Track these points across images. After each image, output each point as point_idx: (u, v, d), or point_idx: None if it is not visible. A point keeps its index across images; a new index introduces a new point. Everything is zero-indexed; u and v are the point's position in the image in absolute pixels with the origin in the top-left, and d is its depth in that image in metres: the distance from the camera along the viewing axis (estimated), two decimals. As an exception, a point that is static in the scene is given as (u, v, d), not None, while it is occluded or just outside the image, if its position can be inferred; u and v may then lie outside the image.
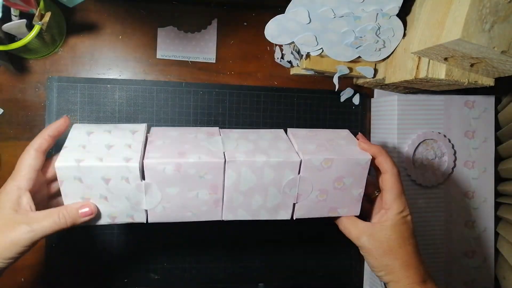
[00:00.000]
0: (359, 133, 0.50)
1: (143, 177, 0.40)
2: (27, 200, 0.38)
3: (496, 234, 0.64)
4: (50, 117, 0.57)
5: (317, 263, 0.65)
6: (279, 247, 0.64)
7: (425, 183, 0.61)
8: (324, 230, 0.65)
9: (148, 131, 0.45)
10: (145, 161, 0.40)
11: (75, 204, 0.40)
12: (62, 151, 0.40)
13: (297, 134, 0.48)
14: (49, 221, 0.38)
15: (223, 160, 0.41)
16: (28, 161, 0.39)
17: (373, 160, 0.46)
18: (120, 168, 0.39)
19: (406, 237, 0.45)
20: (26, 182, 0.39)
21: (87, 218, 0.41)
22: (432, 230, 0.62)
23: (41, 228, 0.38)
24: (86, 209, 0.40)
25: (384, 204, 0.46)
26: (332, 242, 0.66)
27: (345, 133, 0.49)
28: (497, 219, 0.65)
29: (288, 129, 0.48)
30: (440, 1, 0.45)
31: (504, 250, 0.62)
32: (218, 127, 0.46)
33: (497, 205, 0.65)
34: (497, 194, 0.66)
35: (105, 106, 0.59)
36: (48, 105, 0.57)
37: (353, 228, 0.47)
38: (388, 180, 0.46)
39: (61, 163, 0.39)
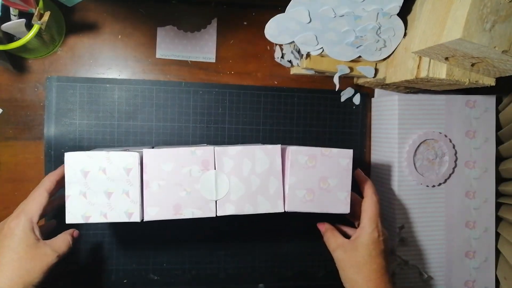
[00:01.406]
0: (358, 169, 0.55)
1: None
2: (38, 231, 0.45)
3: (497, 234, 0.64)
4: (49, 117, 0.57)
5: (317, 264, 0.65)
6: (279, 248, 0.64)
7: (426, 183, 0.60)
8: (324, 230, 0.65)
9: (140, 159, 0.45)
10: (145, 217, 0.44)
11: (71, 230, 0.50)
12: (67, 203, 0.43)
13: (294, 162, 0.47)
14: (66, 245, 0.47)
15: (215, 215, 0.46)
16: (40, 200, 0.46)
17: (362, 188, 0.53)
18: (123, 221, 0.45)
19: (374, 256, 0.49)
20: (37, 217, 0.45)
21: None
22: (433, 230, 0.61)
23: (62, 252, 0.46)
24: (77, 233, 0.51)
25: (360, 223, 0.51)
26: (332, 242, 0.65)
27: (346, 162, 0.48)
28: (498, 220, 0.65)
29: (291, 152, 0.47)
30: (441, 0, 0.45)
31: (505, 250, 0.62)
32: (213, 148, 0.45)
33: (498, 206, 0.65)
34: (498, 194, 0.65)
35: (104, 106, 0.59)
36: (47, 105, 0.57)
37: (332, 241, 0.52)
38: (366, 203, 0.51)
39: (71, 221, 0.43)
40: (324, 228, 0.55)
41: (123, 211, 0.44)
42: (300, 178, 0.47)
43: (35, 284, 0.43)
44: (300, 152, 0.46)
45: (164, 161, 0.44)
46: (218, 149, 0.45)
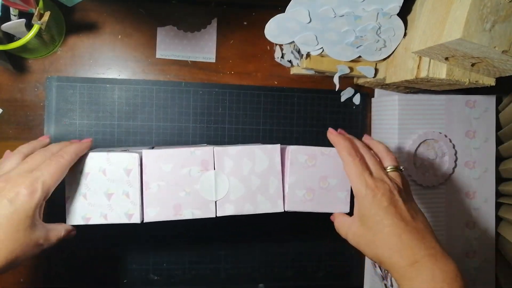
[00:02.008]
0: (329, 129, 0.47)
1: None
2: (42, 210, 0.40)
3: (497, 234, 0.64)
4: (49, 117, 0.57)
5: (318, 264, 0.65)
6: (280, 248, 0.64)
7: (426, 183, 0.60)
8: (324, 230, 0.65)
9: (140, 160, 0.45)
10: (145, 219, 0.44)
11: (69, 227, 0.44)
12: (67, 205, 0.43)
13: (294, 162, 0.47)
14: (56, 238, 0.41)
15: (214, 215, 0.45)
16: (62, 174, 0.40)
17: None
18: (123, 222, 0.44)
19: (380, 220, 0.40)
20: (49, 194, 0.39)
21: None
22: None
23: (49, 245, 0.41)
24: (73, 234, 0.45)
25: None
26: (333, 242, 0.65)
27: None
28: (498, 220, 0.65)
29: (290, 151, 0.47)
30: (441, 0, 0.45)
31: (505, 250, 0.62)
32: (212, 148, 0.45)
33: (498, 206, 0.65)
34: (498, 194, 0.65)
35: (104, 106, 0.59)
36: (47, 105, 0.57)
37: (341, 227, 0.45)
38: (345, 169, 0.43)
39: (72, 222, 0.43)
40: (333, 217, 0.48)
41: (123, 212, 0.44)
42: (300, 178, 0.47)
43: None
44: (299, 152, 0.46)
45: (164, 161, 0.44)
46: (218, 149, 0.45)
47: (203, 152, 0.45)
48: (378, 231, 0.40)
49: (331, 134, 0.46)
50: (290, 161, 0.46)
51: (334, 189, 0.47)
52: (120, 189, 0.43)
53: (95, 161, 0.43)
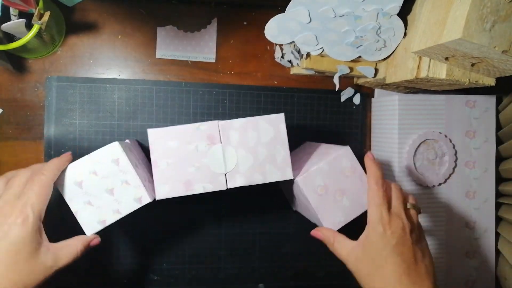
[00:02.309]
0: (368, 152, 0.49)
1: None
2: (43, 231, 0.39)
3: (497, 234, 0.64)
4: (49, 117, 0.57)
5: (318, 264, 0.65)
6: (280, 248, 0.64)
7: (426, 183, 0.60)
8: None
9: (129, 147, 0.46)
10: (156, 196, 0.44)
11: (88, 237, 0.44)
12: (78, 218, 0.43)
13: (334, 162, 0.48)
14: (70, 257, 0.41)
15: (226, 188, 0.45)
16: (48, 192, 0.40)
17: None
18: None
19: (386, 256, 0.41)
20: (43, 215, 0.39)
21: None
22: (433, 230, 0.61)
23: (64, 264, 0.40)
24: (97, 242, 0.44)
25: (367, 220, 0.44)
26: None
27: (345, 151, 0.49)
28: (498, 220, 0.65)
29: (345, 150, 0.48)
30: (441, 0, 0.45)
31: (505, 250, 0.62)
32: (217, 122, 0.45)
33: (498, 205, 0.65)
34: (498, 194, 0.65)
35: (104, 106, 0.59)
36: (47, 105, 0.57)
37: (342, 248, 0.45)
38: (368, 196, 0.45)
39: (90, 231, 0.44)
40: (323, 235, 0.47)
41: (132, 199, 0.44)
42: (330, 173, 0.48)
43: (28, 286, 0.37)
44: (347, 156, 0.48)
45: (170, 138, 0.45)
46: (222, 122, 0.46)
47: (208, 126, 0.45)
48: (380, 266, 0.41)
49: (368, 158, 0.47)
50: (335, 157, 0.48)
51: (341, 207, 0.48)
52: (118, 180, 0.44)
53: (82, 167, 0.43)
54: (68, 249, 0.40)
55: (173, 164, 0.44)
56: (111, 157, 0.44)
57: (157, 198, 0.45)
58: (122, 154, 0.44)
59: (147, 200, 0.44)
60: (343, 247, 0.45)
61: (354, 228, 0.48)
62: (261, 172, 0.46)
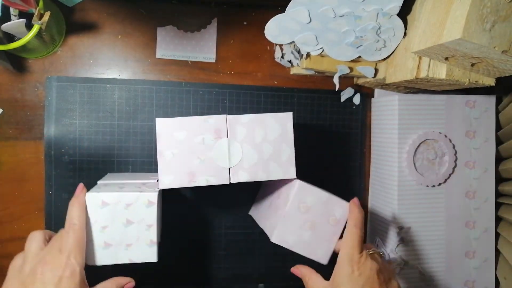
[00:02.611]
0: (354, 198, 0.50)
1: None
2: (86, 281, 0.41)
3: (497, 234, 0.64)
4: (49, 117, 0.57)
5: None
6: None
7: (426, 183, 0.61)
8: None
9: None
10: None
11: (123, 279, 0.46)
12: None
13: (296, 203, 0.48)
14: None
15: (228, 182, 0.46)
16: (84, 242, 0.41)
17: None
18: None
19: None
20: (84, 263, 0.41)
21: None
22: (433, 230, 0.61)
23: None
24: (131, 286, 0.46)
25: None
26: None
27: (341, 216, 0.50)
28: (498, 219, 0.65)
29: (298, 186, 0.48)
30: (440, 0, 0.45)
31: (505, 250, 0.62)
32: (225, 116, 0.46)
33: (498, 205, 0.65)
34: (498, 194, 0.65)
35: (104, 106, 0.59)
36: (47, 105, 0.57)
37: (314, 286, 0.48)
38: (344, 237, 0.46)
39: (108, 263, 0.45)
40: (301, 273, 0.50)
41: (143, 202, 0.44)
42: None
43: None
44: (306, 191, 0.48)
45: (177, 129, 0.45)
46: (230, 117, 0.46)
47: (216, 120, 0.45)
48: None
49: (353, 202, 0.49)
50: (336, 200, 0.49)
51: (300, 234, 0.48)
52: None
53: (91, 204, 0.44)
54: None
55: (178, 155, 0.45)
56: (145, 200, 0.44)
57: (160, 188, 0.45)
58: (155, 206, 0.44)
59: (154, 197, 0.44)
60: (316, 285, 0.48)
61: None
62: (265, 170, 0.46)
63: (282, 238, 0.48)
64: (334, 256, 0.49)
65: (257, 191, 0.62)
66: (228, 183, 0.46)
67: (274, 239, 0.47)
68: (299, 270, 0.50)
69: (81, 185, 0.44)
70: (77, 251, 0.40)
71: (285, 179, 0.48)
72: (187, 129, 0.45)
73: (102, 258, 0.44)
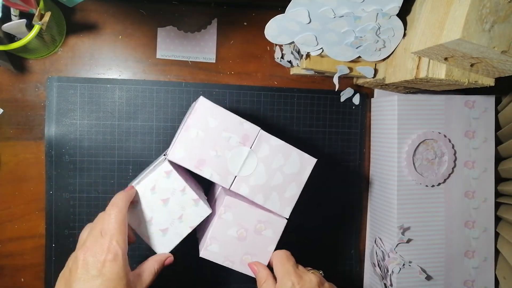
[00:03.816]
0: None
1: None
2: (128, 266, 0.40)
3: (496, 234, 0.64)
4: (50, 117, 0.57)
5: (317, 264, 0.65)
6: (279, 248, 0.64)
7: (425, 183, 0.61)
8: (324, 231, 0.65)
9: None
10: (169, 156, 0.45)
11: (162, 256, 0.46)
12: (150, 244, 0.47)
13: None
14: (152, 277, 0.43)
15: (228, 187, 0.46)
16: (125, 228, 0.41)
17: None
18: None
19: None
20: (127, 247, 0.41)
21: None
22: (432, 230, 0.62)
23: (146, 286, 0.42)
24: (171, 260, 0.46)
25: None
26: (332, 243, 0.66)
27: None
28: (497, 219, 0.65)
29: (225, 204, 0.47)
30: (440, 1, 0.45)
31: (504, 250, 0.62)
32: (259, 129, 0.46)
33: (497, 205, 0.65)
34: (497, 194, 0.65)
35: (105, 106, 0.59)
36: (48, 105, 0.57)
37: None
38: (274, 260, 0.46)
39: (165, 250, 0.47)
40: (257, 272, 0.47)
41: (194, 213, 0.46)
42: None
43: None
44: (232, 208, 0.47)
45: (214, 116, 0.45)
46: (263, 133, 0.46)
47: (250, 128, 0.46)
48: None
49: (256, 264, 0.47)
50: (269, 216, 0.47)
51: (234, 242, 0.47)
52: (170, 189, 0.45)
53: (141, 191, 0.45)
54: (148, 272, 0.42)
55: (201, 138, 0.45)
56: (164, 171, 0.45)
57: (168, 158, 0.45)
58: (171, 170, 0.45)
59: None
60: None
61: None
62: (265, 195, 0.47)
63: (207, 250, 0.47)
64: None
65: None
66: (228, 187, 0.46)
67: (202, 254, 0.47)
68: (257, 269, 0.47)
69: (132, 186, 0.45)
70: (119, 234, 0.39)
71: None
72: (222, 121, 0.45)
73: (169, 243, 0.46)
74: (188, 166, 0.45)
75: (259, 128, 0.46)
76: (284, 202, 0.47)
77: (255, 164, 0.46)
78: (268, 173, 0.46)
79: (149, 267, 0.43)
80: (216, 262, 0.47)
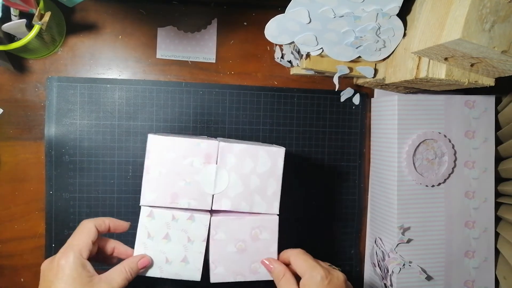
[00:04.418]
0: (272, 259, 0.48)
1: None
2: (90, 266, 0.42)
3: (497, 234, 0.64)
4: (49, 117, 0.57)
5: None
6: (280, 248, 0.64)
7: (425, 183, 0.61)
8: (323, 231, 0.65)
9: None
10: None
11: (135, 258, 0.44)
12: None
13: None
14: (122, 278, 0.42)
15: (209, 208, 0.46)
16: (88, 233, 0.42)
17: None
18: None
19: None
20: (86, 252, 0.41)
21: (144, 268, 0.45)
22: (432, 230, 0.62)
23: (118, 285, 0.42)
24: (145, 261, 0.44)
25: (300, 275, 0.44)
26: (332, 243, 0.66)
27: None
28: (498, 219, 0.65)
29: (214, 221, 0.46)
30: (440, 1, 0.45)
31: (505, 250, 0.62)
32: (218, 143, 0.45)
33: (498, 205, 0.65)
34: (498, 194, 0.65)
35: (105, 106, 0.59)
36: (47, 105, 0.57)
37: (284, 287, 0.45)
38: (294, 258, 0.45)
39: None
40: (273, 269, 0.46)
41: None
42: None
43: None
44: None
45: (168, 149, 0.45)
46: (223, 144, 0.46)
47: (208, 145, 0.45)
48: None
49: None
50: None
51: (232, 255, 0.47)
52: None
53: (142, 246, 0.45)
54: (117, 272, 0.42)
55: (165, 174, 0.44)
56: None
57: (141, 204, 0.44)
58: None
59: (207, 219, 0.45)
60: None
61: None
62: (248, 201, 0.46)
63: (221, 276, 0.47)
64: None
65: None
66: (209, 209, 0.46)
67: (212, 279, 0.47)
68: (272, 266, 0.46)
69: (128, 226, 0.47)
70: (75, 242, 0.41)
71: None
72: (178, 150, 0.45)
73: (196, 266, 0.46)
74: (163, 204, 0.44)
75: (216, 141, 0.46)
76: (269, 200, 0.47)
77: (227, 177, 0.46)
78: (243, 180, 0.46)
79: (120, 269, 0.43)
80: (229, 281, 0.46)
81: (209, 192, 0.45)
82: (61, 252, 0.41)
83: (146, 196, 0.44)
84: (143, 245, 0.44)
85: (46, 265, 0.42)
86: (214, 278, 0.46)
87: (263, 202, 0.47)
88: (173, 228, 0.45)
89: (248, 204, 0.46)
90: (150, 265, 0.45)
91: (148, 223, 0.44)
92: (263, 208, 0.47)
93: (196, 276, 0.46)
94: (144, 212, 0.44)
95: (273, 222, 0.47)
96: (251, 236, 0.46)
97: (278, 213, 0.47)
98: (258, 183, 0.46)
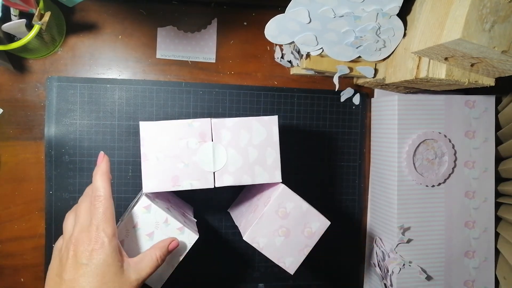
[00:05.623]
0: None
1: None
2: (122, 250, 0.41)
3: (497, 234, 0.64)
4: (49, 117, 0.57)
5: (317, 264, 0.65)
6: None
7: (425, 183, 0.61)
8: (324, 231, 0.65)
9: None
10: (144, 189, 0.45)
11: (165, 241, 0.44)
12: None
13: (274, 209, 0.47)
14: (151, 267, 0.42)
15: (213, 186, 0.46)
16: (112, 210, 0.41)
17: None
18: None
19: None
20: (116, 233, 0.41)
21: (172, 251, 0.44)
22: (432, 230, 0.61)
23: (147, 275, 0.41)
24: (175, 244, 0.44)
25: None
26: (332, 242, 0.66)
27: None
28: (498, 219, 0.65)
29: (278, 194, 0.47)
30: (440, 1, 0.45)
31: (505, 250, 0.62)
32: (210, 120, 0.45)
33: (498, 205, 0.65)
34: (498, 194, 0.65)
35: (104, 106, 0.59)
36: (47, 105, 0.57)
37: None
38: None
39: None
40: None
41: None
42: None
43: None
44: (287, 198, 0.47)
45: (161, 133, 0.45)
46: (215, 120, 0.46)
47: (201, 123, 0.45)
48: None
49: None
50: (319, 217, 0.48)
51: (274, 238, 0.47)
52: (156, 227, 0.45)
53: (124, 230, 0.45)
54: (147, 259, 0.42)
55: (162, 159, 0.45)
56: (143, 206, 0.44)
57: (144, 192, 0.45)
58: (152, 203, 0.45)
59: (194, 237, 0.45)
60: None
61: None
62: (250, 173, 0.46)
63: (255, 238, 0.46)
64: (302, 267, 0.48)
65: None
66: (213, 187, 0.46)
67: (247, 237, 0.46)
68: None
69: (101, 153, 0.44)
70: (105, 222, 0.40)
71: (270, 183, 0.47)
72: (171, 133, 0.45)
73: (163, 274, 0.45)
74: (165, 189, 0.45)
75: (209, 118, 0.46)
76: (271, 169, 0.47)
77: (225, 153, 0.46)
78: (241, 153, 0.46)
79: (149, 255, 0.42)
80: (257, 248, 0.46)
81: (209, 170, 0.45)
82: (93, 234, 0.39)
83: (148, 183, 0.44)
84: (125, 232, 0.44)
85: (79, 243, 0.39)
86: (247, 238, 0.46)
87: (265, 172, 0.47)
88: (161, 230, 0.45)
89: (250, 176, 0.46)
90: (177, 247, 0.45)
91: (141, 214, 0.44)
92: (265, 178, 0.47)
93: (157, 285, 0.45)
94: (143, 202, 0.44)
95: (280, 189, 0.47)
96: (303, 229, 0.47)
97: (281, 181, 0.47)
98: (256, 154, 0.47)
